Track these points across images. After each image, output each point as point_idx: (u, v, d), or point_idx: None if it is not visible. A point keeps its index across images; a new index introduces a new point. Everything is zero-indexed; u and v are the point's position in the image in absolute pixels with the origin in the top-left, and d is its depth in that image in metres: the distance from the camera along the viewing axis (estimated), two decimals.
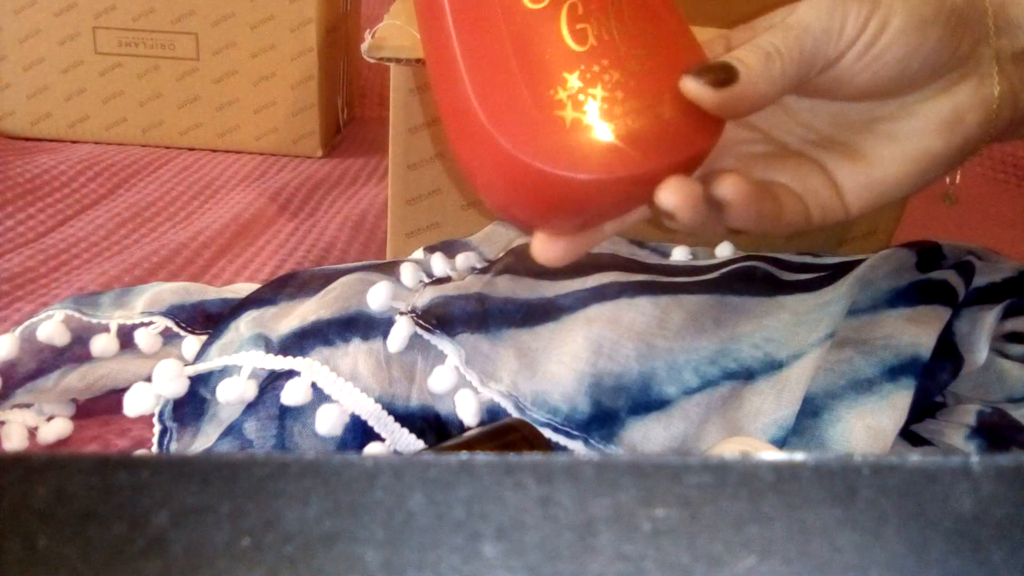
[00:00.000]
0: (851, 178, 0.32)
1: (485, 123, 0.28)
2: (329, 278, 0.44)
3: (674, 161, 0.29)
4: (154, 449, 0.40)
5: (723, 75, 0.28)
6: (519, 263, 0.45)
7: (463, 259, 0.48)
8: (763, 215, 0.31)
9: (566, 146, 0.27)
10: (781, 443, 0.37)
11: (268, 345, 0.40)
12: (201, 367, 0.40)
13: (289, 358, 0.39)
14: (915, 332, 0.39)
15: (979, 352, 0.40)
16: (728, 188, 0.29)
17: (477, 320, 0.41)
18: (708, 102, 0.28)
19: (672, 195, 0.28)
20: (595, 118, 0.27)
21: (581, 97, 0.27)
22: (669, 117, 0.28)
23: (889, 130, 0.31)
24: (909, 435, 0.40)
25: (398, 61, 0.47)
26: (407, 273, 0.44)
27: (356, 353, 0.39)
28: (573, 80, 0.27)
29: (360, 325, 0.40)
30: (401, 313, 0.41)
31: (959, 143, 0.31)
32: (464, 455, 0.14)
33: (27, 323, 0.43)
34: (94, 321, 0.43)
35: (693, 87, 0.28)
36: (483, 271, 0.46)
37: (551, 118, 0.27)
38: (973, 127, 0.31)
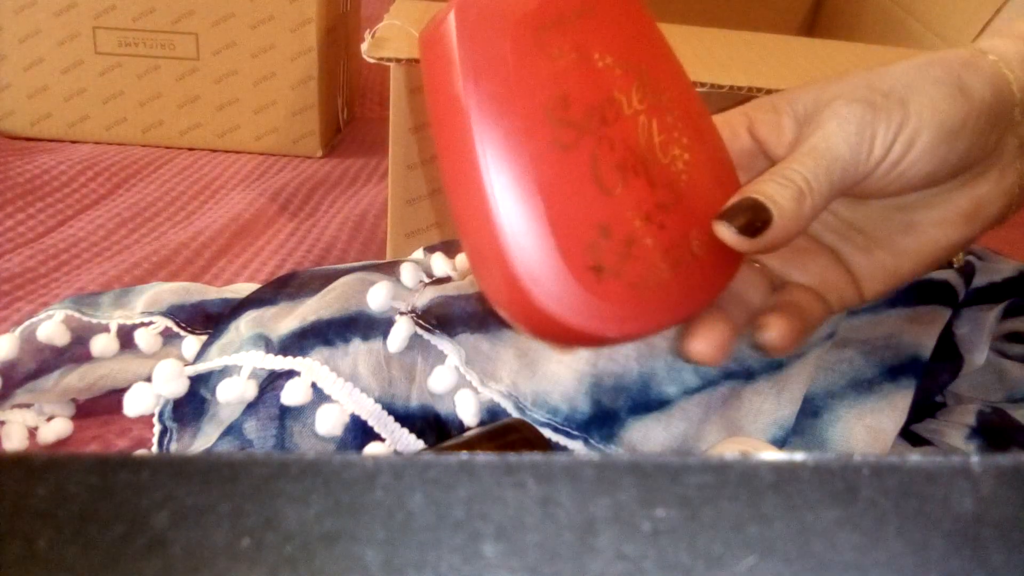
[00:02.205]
0: (868, 268, 0.32)
1: (512, 268, 0.25)
2: (329, 278, 0.44)
3: (701, 304, 0.28)
4: (154, 449, 0.40)
5: (757, 222, 0.27)
6: None
7: (463, 259, 0.48)
8: (799, 342, 0.30)
9: (595, 303, 0.26)
10: (781, 443, 0.37)
11: (268, 345, 0.40)
12: (201, 367, 0.40)
13: (289, 358, 0.39)
14: (915, 332, 0.39)
15: (979, 352, 0.40)
16: (773, 337, 0.29)
17: (477, 320, 0.41)
18: (741, 247, 0.27)
19: (704, 346, 0.28)
20: (624, 271, 0.26)
21: (611, 248, 0.26)
22: (696, 257, 0.28)
23: (908, 220, 0.31)
24: (909, 435, 0.40)
25: (398, 61, 0.47)
26: (407, 273, 0.44)
27: (356, 353, 0.39)
28: (604, 230, 0.26)
29: (360, 325, 0.40)
30: (401, 313, 0.41)
31: (978, 232, 0.31)
32: (464, 455, 0.13)
33: (27, 323, 0.43)
34: (94, 321, 0.43)
35: (726, 233, 0.27)
36: None
37: (580, 271, 0.25)
38: (992, 217, 0.31)
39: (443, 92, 0.26)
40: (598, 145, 0.26)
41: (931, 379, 0.39)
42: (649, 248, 0.26)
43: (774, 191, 0.27)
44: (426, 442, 0.38)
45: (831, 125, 0.28)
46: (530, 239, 0.25)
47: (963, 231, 0.31)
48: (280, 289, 0.45)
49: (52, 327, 0.42)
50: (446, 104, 0.26)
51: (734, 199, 0.28)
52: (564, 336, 0.26)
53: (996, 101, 0.29)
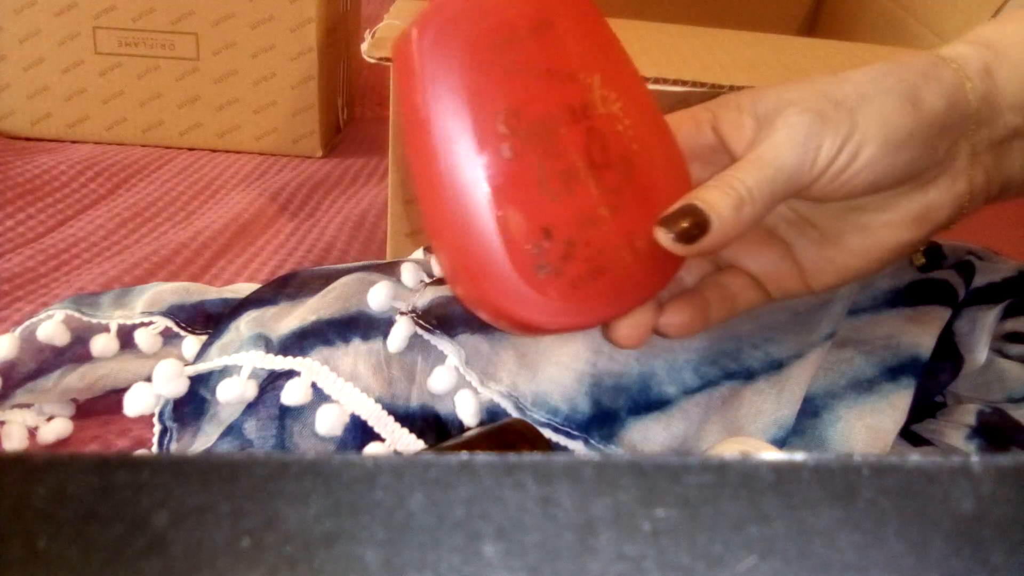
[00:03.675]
0: (817, 262, 0.33)
1: (466, 267, 0.29)
2: (329, 278, 0.44)
3: (640, 299, 0.31)
4: (154, 449, 0.40)
5: (695, 229, 0.28)
6: None
7: None
8: (708, 324, 0.32)
9: (538, 299, 0.28)
10: (781, 443, 0.37)
11: (268, 345, 0.40)
12: (201, 367, 0.40)
13: (289, 358, 0.39)
14: (915, 332, 0.39)
15: (979, 352, 0.40)
16: (667, 323, 0.32)
17: (477, 320, 0.40)
18: (678, 252, 0.29)
19: (626, 331, 0.31)
20: (565, 270, 0.28)
21: (553, 249, 0.28)
22: (638, 255, 0.30)
23: (860, 220, 0.32)
24: (909, 435, 0.40)
25: None
26: (407, 273, 0.44)
27: (356, 353, 0.39)
28: (547, 233, 0.28)
29: (360, 325, 0.40)
30: (401, 313, 0.41)
31: (927, 234, 0.32)
32: (464, 455, 0.13)
33: (27, 323, 0.43)
34: (94, 321, 0.43)
35: (665, 239, 0.28)
36: None
37: (524, 269, 0.28)
38: (942, 220, 0.31)
39: (407, 103, 0.28)
40: (545, 153, 0.28)
41: (931, 379, 0.39)
42: (589, 249, 0.29)
43: (716, 199, 0.28)
44: (426, 442, 0.38)
45: (780, 134, 0.29)
46: (481, 242, 0.28)
47: (912, 233, 0.31)
48: (280, 289, 0.45)
49: (52, 327, 0.42)
50: (409, 114, 0.28)
51: (676, 205, 0.29)
52: (514, 325, 0.30)
53: (949, 112, 0.29)
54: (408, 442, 0.38)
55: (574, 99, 0.28)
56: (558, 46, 0.28)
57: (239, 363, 0.39)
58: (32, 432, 0.42)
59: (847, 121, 0.29)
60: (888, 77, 0.30)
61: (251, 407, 0.39)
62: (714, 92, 0.47)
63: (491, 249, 0.28)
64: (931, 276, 0.42)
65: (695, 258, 0.32)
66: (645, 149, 0.30)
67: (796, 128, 0.29)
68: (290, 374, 0.39)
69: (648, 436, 0.38)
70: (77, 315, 0.43)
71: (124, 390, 0.40)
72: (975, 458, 0.13)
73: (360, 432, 0.38)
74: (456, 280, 0.30)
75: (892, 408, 0.37)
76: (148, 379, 0.40)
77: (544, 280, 0.28)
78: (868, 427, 0.36)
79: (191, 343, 0.44)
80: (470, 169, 0.27)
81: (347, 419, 0.38)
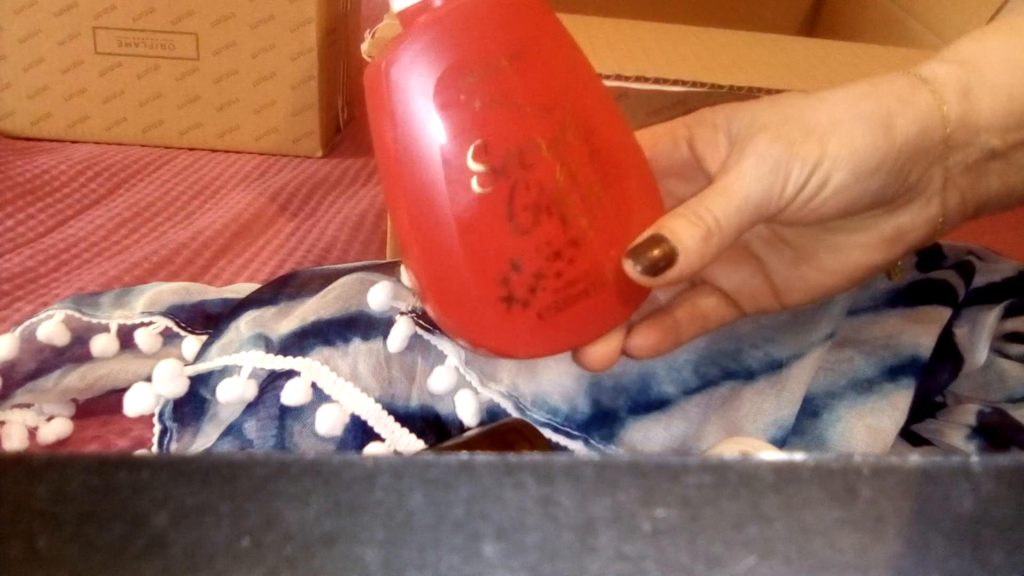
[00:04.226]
0: (789, 280, 0.33)
1: (433, 297, 0.29)
2: (329, 278, 0.44)
3: (608, 327, 0.31)
4: (154, 449, 0.40)
5: (662, 261, 0.28)
6: None
7: None
8: (678, 343, 0.33)
9: (505, 329, 0.29)
10: (781, 443, 0.37)
11: (268, 345, 0.40)
12: (201, 367, 0.40)
13: (289, 358, 0.39)
14: (915, 332, 0.39)
15: (979, 352, 0.40)
16: (633, 344, 0.32)
17: None
18: (646, 284, 0.29)
19: (594, 363, 0.31)
20: (533, 301, 0.29)
21: (521, 281, 0.28)
22: (606, 285, 0.30)
23: (833, 240, 0.32)
24: (909, 435, 0.40)
25: None
26: (407, 273, 0.44)
27: (356, 353, 0.39)
28: (515, 266, 0.28)
29: (360, 325, 0.40)
30: (401, 313, 0.41)
31: (899, 255, 0.32)
32: (464, 455, 0.13)
33: (27, 323, 0.43)
34: (94, 321, 0.43)
35: (632, 271, 0.29)
36: None
37: (491, 302, 0.28)
38: (915, 242, 0.32)
39: (378, 135, 0.28)
40: (515, 187, 0.28)
41: (931, 379, 0.39)
42: (558, 281, 0.29)
43: (683, 230, 0.28)
44: (426, 442, 0.38)
45: (748, 163, 0.29)
46: (448, 274, 0.28)
47: (884, 254, 0.31)
48: (280, 289, 0.45)
49: (52, 327, 0.42)
50: (380, 146, 0.28)
51: (643, 236, 0.29)
52: (482, 350, 0.30)
53: (921, 138, 0.29)
54: (408, 442, 0.38)
55: (545, 132, 0.28)
56: (529, 77, 0.28)
57: (239, 363, 0.39)
58: (32, 432, 0.42)
59: (816, 149, 0.29)
60: (864, 102, 0.29)
61: (251, 407, 0.39)
62: (714, 92, 0.47)
63: (459, 281, 0.28)
64: (931, 276, 0.42)
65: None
66: (616, 177, 0.30)
67: (764, 158, 0.29)
68: (290, 374, 0.39)
69: (648, 436, 0.38)
70: (77, 315, 0.43)
71: (124, 390, 0.40)
72: (975, 458, 0.13)
73: (360, 432, 0.38)
74: (425, 302, 0.30)
75: (892, 408, 0.37)
76: (148, 379, 0.40)
77: (512, 312, 0.29)
78: (868, 427, 0.36)
79: (191, 343, 0.44)
80: (439, 204, 0.27)
81: (347, 419, 0.38)
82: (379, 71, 0.27)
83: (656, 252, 0.28)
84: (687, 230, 0.28)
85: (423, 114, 0.27)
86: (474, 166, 0.27)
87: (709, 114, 0.32)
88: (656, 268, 0.28)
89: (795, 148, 0.29)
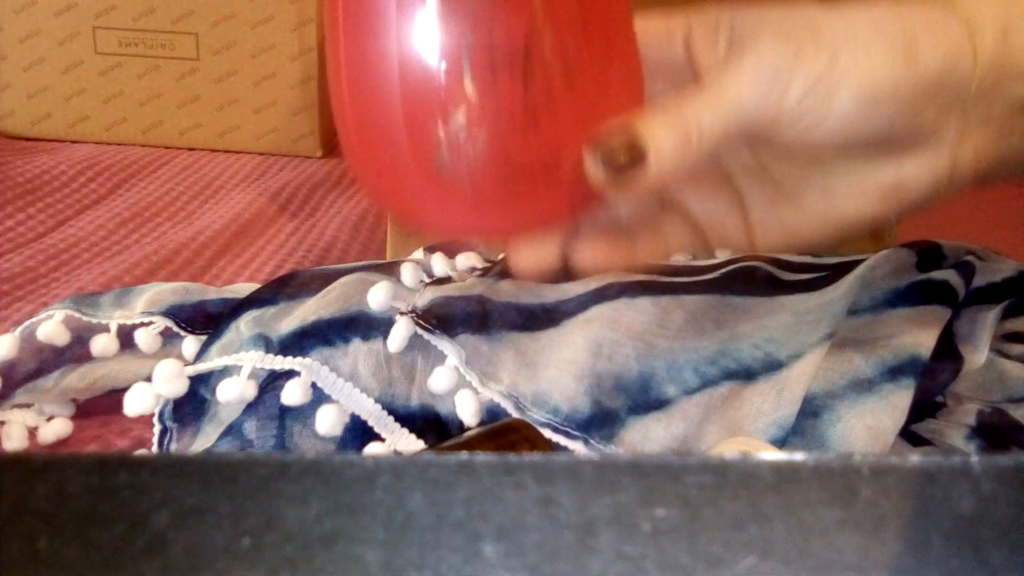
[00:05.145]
0: (766, 219, 0.29)
1: (351, 145, 0.26)
2: (329, 278, 0.44)
3: (551, 222, 0.27)
4: (154, 449, 0.40)
5: (627, 160, 0.24)
6: None
7: (463, 259, 0.48)
8: (630, 263, 0.29)
9: (433, 195, 0.25)
10: (781, 443, 0.37)
11: (268, 345, 0.40)
12: (201, 367, 0.40)
13: (289, 358, 0.39)
14: (915, 332, 0.39)
15: (979, 352, 0.40)
16: (581, 259, 0.28)
17: (477, 321, 0.41)
18: (604, 184, 0.25)
19: (525, 265, 0.28)
20: (470, 170, 0.25)
21: (460, 145, 0.24)
22: (558, 174, 0.26)
23: (824, 182, 0.28)
24: (909, 435, 0.40)
25: None
26: (407, 273, 0.44)
27: (356, 353, 0.39)
28: (457, 124, 0.24)
29: (360, 325, 0.40)
30: (401, 313, 0.41)
31: (893, 212, 0.28)
32: (464, 455, 0.14)
33: (27, 323, 0.43)
34: (94, 321, 0.43)
35: (591, 164, 0.25)
36: (484, 272, 0.46)
37: (423, 163, 0.25)
38: (914, 200, 0.28)
39: None
40: (475, 31, 0.24)
41: (931, 379, 0.39)
42: (502, 149, 0.25)
43: (659, 128, 0.25)
44: (426, 442, 0.38)
45: (747, 65, 0.25)
46: (377, 119, 0.24)
47: (876, 208, 0.28)
48: (280, 289, 0.45)
49: (52, 327, 0.42)
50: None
51: (611, 127, 0.25)
52: (409, 220, 0.26)
53: (945, 74, 0.25)
54: (408, 442, 0.38)
55: None
56: None
57: (239, 363, 0.39)
58: (32, 432, 0.42)
59: (825, 59, 0.25)
60: (887, 20, 0.26)
61: (251, 407, 0.39)
62: None
63: (390, 133, 0.24)
64: (931, 276, 0.42)
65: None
66: (601, 53, 0.26)
67: (765, 60, 0.25)
68: (290, 374, 0.39)
69: (648, 436, 0.38)
70: (77, 315, 0.43)
71: (124, 390, 0.40)
72: (975, 458, 0.13)
73: (360, 432, 0.38)
74: (348, 154, 0.26)
75: (892, 408, 0.37)
76: (148, 379, 0.40)
77: (443, 176, 0.25)
78: (868, 427, 0.36)
79: (191, 343, 0.44)
80: (381, 38, 0.23)
81: (347, 419, 0.38)
82: None
83: (622, 146, 0.24)
84: (664, 129, 0.25)
85: None
86: (430, 9, 0.23)
87: (713, 10, 0.28)
88: (618, 164, 0.24)
89: (802, 53, 0.25)
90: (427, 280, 0.45)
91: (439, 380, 0.39)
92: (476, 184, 0.25)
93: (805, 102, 0.25)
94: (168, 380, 0.39)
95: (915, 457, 0.13)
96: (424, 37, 0.23)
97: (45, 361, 0.42)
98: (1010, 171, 0.29)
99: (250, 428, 0.38)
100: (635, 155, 0.24)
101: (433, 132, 0.24)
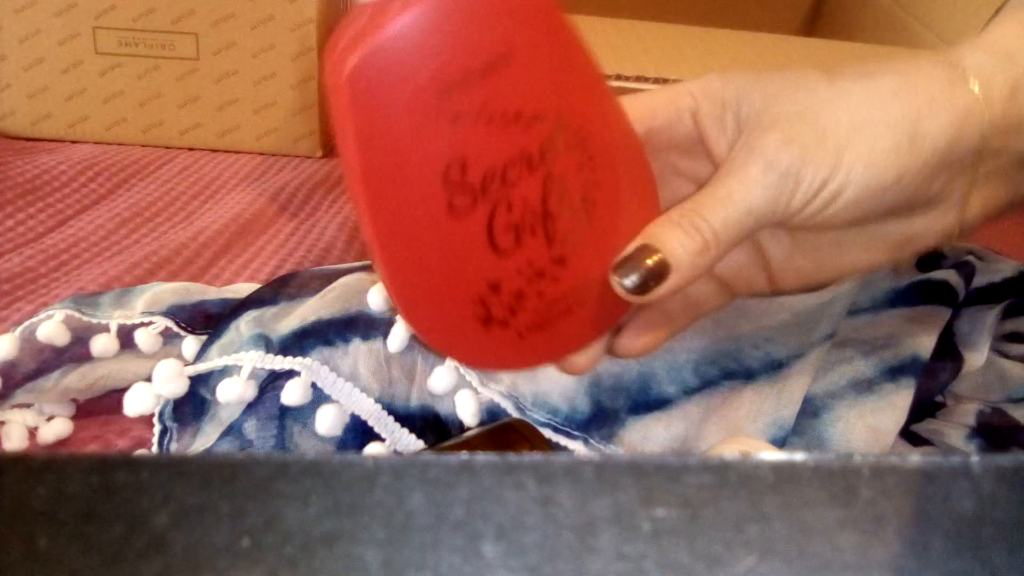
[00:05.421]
0: (784, 267, 0.31)
1: (405, 316, 0.27)
2: (329, 278, 0.44)
3: (593, 337, 0.30)
4: (154, 449, 0.40)
5: (652, 278, 0.26)
6: None
7: None
8: (670, 337, 0.31)
9: (483, 347, 0.27)
10: (781, 443, 0.37)
11: (268, 345, 0.40)
12: (201, 367, 0.40)
13: (289, 358, 0.39)
14: (915, 332, 0.39)
15: (979, 352, 0.40)
16: (626, 349, 0.31)
17: None
18: (634, 300, 0.27)
19: (576, 369, 0.30)
20: (513, 322, 0.27)
21: (500, 302, 0.26)
22: (593, 296, 0.28)
23: (836, 239, 0.29)
24: (909, 435, 0.40)
25: None
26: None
27: (356, 353, 0.39)
28: (494, 287, 0.26)
29: (360, 325, 0.40)
30: None
31: (904, 258, 0.30)
32: (464, 455, 0.14)
33: (27, 323, 0.43)
34: (94, 321, 0.43)
35: (619, 288, 0.27)
36: None
37: (467, 322, 0.27)
38: (924, 249, 0.29)
39: (343, 148, 0.25)
40: (495, 207, 0.25)
41: (931, 379, 0.39)
42: (539, 301, 0.27)
43: (677, 242, 0.26)
44: (426, 442, 0.38)
45: (754, 170, 0.26)
46: (422, 297, 0.26)
47: (888, 257, 0.30)
48: (280, 289, 0.45)
49: (52, 327, 0.42)
50: (346, 161, 0.25)
51: (632, 247, 0.27)
52: (463, 364, 0.29)
53: (952, 149, 0.26)
54: (408, 442, 0.38)
55: (531, 144, 0.25)
56: (515, 85, 0.24)
57: (239, 363, 0.39)
58: (32, 432, 0.42)
59: (831, 160, 0.26)
60: (891, 101, 0.26)
61: (251, 407, 0.39)
62: None
63: (435, 303, 0.26)
64: (931, 276, 0.42)
65: None
66: (610, 184, 0.27)
67: (773, 166, 0.26)
68: (290, 374, 0.39)
69: (648, 436, 0.38)
70: (77, 315, 0.43)
71: (124, 390, 0.40)
72: (975, 458, 0.13)
73: (360, 432, 0.38)
74: (403, 314, 0.28)
75: (892, 408, 0.37)
76: (148, 379, 0.40)
77: (490, 331, 0.27)
78: (868, 427, 0.36)
79: (191, 343, 0.44)
80: (405, 227, 0.25)
81: (347, 419, 0.38)
82: (341, 82, 0.23)
83: (646, 266, 0.26)
84: (681, 242, 0.26)
85: (390, 135, 0.23)
86: (449, 187, 0.24)
87: (718, 86, 0.29)
88: (645, 284, 0.26)
89: (807, 156, 0.26)
90: None
91: (439, 380, 0.39)
92: (520, 332, 0.27)
93: (815, 202, 0.27)
94: (168, 380, 0.39)
95: (915, 457, 0.13)
96: (450, 229, 0.25)
97: (45, 361, 0.42)
98: (1013, 209, 0.30)
99: (250, 428, 0.38)
100: (658, 272, 0.26)
101: (472, 301, 0.26)
